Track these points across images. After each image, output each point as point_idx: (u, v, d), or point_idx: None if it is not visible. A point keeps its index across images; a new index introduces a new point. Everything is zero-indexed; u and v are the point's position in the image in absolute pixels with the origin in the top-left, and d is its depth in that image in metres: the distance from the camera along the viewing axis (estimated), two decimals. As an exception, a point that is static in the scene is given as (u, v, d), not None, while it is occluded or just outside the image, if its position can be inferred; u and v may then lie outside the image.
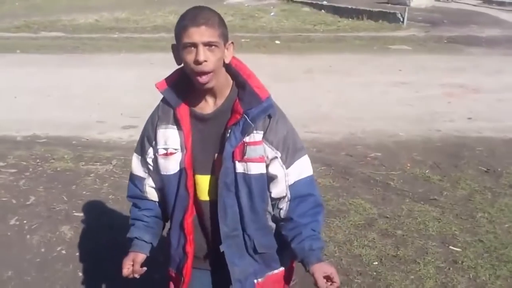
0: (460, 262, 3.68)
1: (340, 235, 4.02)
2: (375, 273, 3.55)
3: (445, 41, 13.31)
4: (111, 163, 5.41)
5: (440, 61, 10.69)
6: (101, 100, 7.92)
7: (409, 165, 5.43)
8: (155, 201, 2.11)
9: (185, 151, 1.90)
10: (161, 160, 1.95)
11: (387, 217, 4.32)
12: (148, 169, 2.04)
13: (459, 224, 4.20)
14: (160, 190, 2.05)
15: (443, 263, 3.68)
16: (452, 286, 3.42)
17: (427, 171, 5.26)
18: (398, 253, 3.78)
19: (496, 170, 5.26)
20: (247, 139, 1.84)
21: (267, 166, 1.90)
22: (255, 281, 1.99)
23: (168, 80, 1.93)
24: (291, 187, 1.92)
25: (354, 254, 3.78)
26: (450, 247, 3.89)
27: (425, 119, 7.09)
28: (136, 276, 1.99)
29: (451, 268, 3.62)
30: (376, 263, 3.68)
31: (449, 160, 5.58)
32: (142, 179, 2.07)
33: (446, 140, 6.26)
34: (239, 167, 1.86)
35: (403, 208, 4.47)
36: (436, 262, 3.68)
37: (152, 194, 2.09)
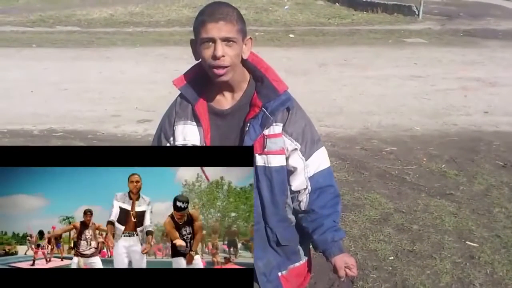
0: (477, 257, 3.65)
1: (355, 229, 4.01)
2: (390, 268, 3.54)
3: (461, 34, 13.18)
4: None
5: (456, 54, 10.59)
6: (116, 94, 7.97)
7: (425, 159, 5.39)
8: None
9: None
10: None
11: (403, 211, 4.30)
12: None
13: (476, 219, 4.17)
14: None
15: (460, 258, 3.66)
16: (468, 282, 3.40)
17: (443, 166, 5.22)
18: (414, 248, 3.76)
19: (513, 165, 5.21)
20: (266, 132, 1.84)
21: (286, 159, 1.90)
22: (279, 273, 2.00)
23: (186, 76, 1.92)
24: (311, 179, 1.92)
25: (370, 248, 3.76)
26: (467, 242, 3.86)
27: (441, 113, 7.03)
28: None
29: (467, 264, 3.59)
30: (392, 258, 3.66)
31: (466, 154, 5.53)
32: None
33: (462, 134, 6.20)
34: (259, 160, 1.86)
35: (419, 202, 4.45)
36: (453, 257, 3.66)
37: None
